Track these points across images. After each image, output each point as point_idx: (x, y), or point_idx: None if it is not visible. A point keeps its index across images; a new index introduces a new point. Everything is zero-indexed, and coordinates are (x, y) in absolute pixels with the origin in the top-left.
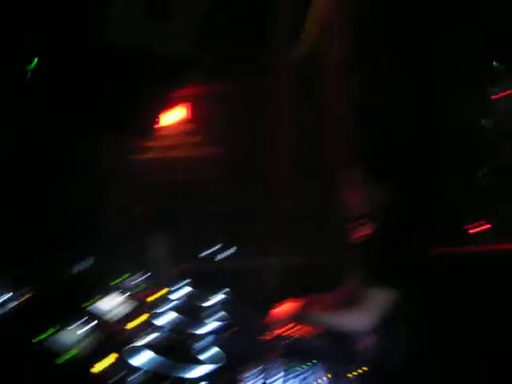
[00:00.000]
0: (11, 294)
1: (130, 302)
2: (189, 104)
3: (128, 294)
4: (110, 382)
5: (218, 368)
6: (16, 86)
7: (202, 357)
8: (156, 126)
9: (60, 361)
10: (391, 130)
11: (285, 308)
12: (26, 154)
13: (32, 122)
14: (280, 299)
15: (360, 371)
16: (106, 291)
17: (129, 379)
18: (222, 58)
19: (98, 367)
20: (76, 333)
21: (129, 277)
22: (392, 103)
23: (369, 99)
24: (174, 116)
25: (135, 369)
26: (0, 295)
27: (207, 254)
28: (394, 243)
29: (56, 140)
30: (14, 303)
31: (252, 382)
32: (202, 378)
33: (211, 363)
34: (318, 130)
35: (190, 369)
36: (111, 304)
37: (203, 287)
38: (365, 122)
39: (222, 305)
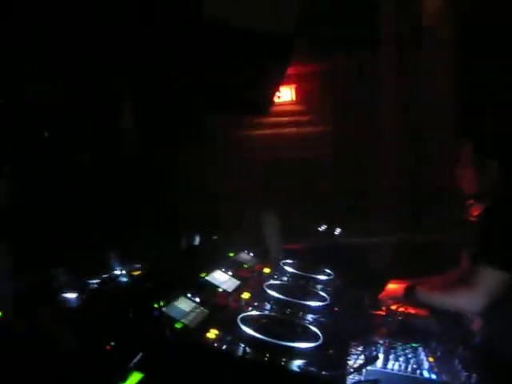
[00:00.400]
0: (129, 266)
1: (241, 276)
2: (298, 83)
3: (239, 268)
4: (219, 349)
5: (319, 345)
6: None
7: (303, 333)
8: (271, 103)
9: (175, 328)
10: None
11: (392, 287)
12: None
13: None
14: (388, 278)
15: (467, 353)
16: (219, 265)
17: (236, 347)
18: (329, 36)
19: (209, 335)
20: (190, 302)
21: (240, 252)
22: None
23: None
24: (285, 94)
25: (243, 338)
26: (115, 268)
27: (316, 232)
28: (506, 223)
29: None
30: (132, 274)
31: (353, 361)
32: (303, 354)
33: (312, 340)
34: (427, 105)
35: (291, 343)
36: (223, 277)
37: (310, 265)
38: (475, 98)
39: (327, 283)
